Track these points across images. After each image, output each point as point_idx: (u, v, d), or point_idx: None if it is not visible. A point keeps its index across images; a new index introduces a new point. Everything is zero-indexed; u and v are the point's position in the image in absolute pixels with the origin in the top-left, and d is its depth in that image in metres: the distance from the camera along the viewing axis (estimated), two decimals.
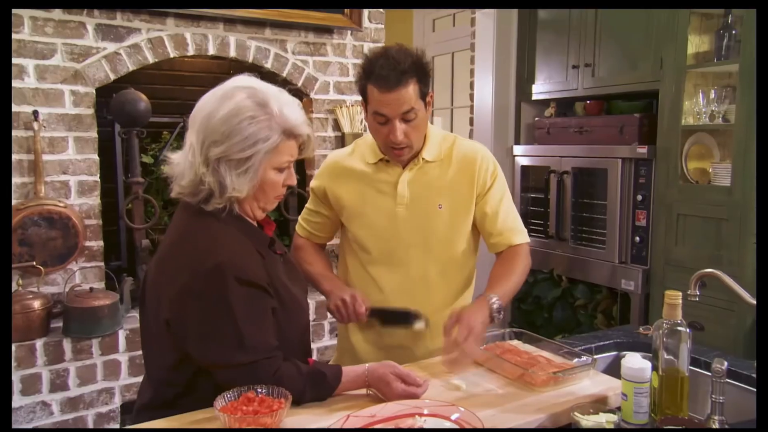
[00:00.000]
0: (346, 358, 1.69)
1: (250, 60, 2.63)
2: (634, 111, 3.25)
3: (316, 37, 2.76)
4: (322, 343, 2.70)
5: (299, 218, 1.74)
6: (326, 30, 2.76)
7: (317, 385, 1.25)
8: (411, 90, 1.44)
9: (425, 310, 1.60)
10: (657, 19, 2.93)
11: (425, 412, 1.14)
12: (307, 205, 1.72)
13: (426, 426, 1.11)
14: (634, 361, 1.22)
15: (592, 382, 1.37)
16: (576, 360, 1.44)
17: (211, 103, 1.20)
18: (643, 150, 3.03)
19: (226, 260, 1.16)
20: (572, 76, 3.46)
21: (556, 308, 3.47)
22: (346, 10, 2.72)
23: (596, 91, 3.36)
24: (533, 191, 3.72)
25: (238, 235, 1.22)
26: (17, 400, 2.19)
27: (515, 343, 1.58)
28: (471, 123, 3.99)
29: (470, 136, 3.99)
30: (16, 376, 2.17)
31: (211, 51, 2.54)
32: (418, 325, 1.53)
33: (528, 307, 3.62)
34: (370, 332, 1.66)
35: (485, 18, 3.79)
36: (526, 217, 3.74)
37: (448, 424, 1.11)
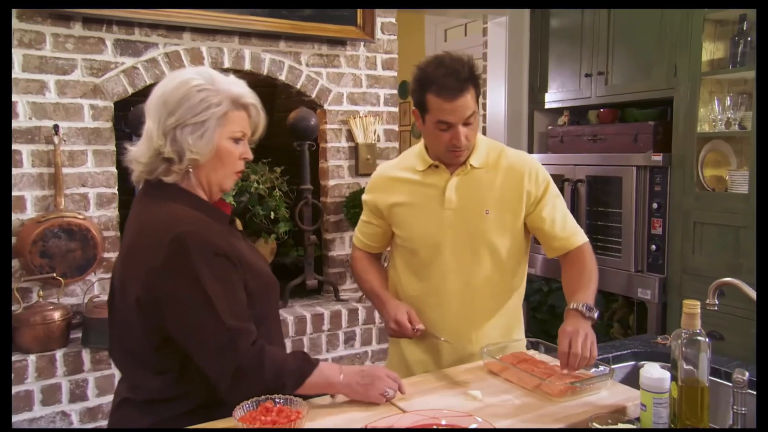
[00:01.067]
0: (395, 362, 1.76)
1: (265, 72, 2.66)
2: (649, 119, 3.24)
3: (329, 49, 2.79)
4: (337, 353, 2.71)
5: (355, 230, 1.82)
6: (339, 42, 2.79)
7: (299, 359, 1.28)
8: (470, 96, 1.50)
9: (470, 314, 1.64)
10: (670, 26, 2.93)
11: (443, 422, 1.14)
12: (361, 217, 1.79)
13: None
14: (653, 371, 1.22)
15: (609, 393, 1.36)
16: (593, 370, 1.43)
17: (161, 87, 1.26)
18: (658, 158, 3.01)
19: (185, 231, 1.19)
20: (585, 84, 3.46)
21: None
22: (359, 22, 2.75)
23: (610, 99, 3.36)
24: None
25: (195, 212, 1.25)
26: (38, 411, 2.22)
27: (531, 353, 1.58)
28: (484, 132, 3.99)
29: None
30: (36, 387, 2.20)
31: (227, 64, 2.58)
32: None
33: (543, 317, 3.60)
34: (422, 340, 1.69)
35: (497, 27, 3.80)
36: None
37: None
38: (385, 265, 1.82)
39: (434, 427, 1.11)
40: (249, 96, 1.29)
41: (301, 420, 1.13)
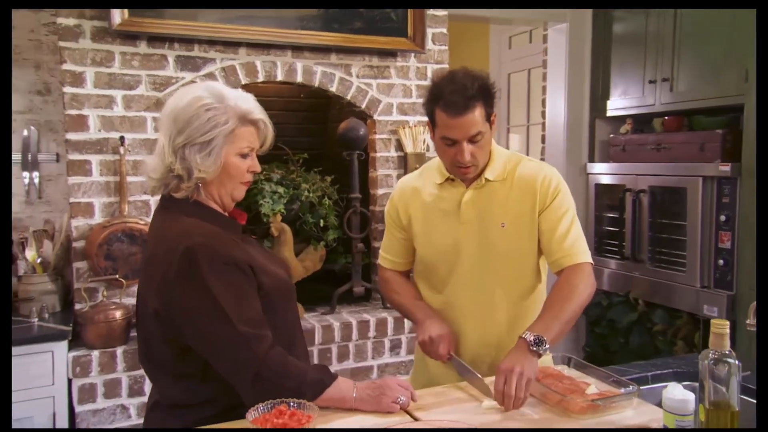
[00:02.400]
0: (419, 371, 1.77)
1: (316, 84, 2.74)
2: (717, 126, 3.07)
3: (380, 60, 2.83)
4: (383, 360, 2.73)
5: (380, 252, 1.81)
6: (390, 54, 2.83)
7: (319, 371, 1.31)
8: (477, 114, 1.48)
9: (489, 328, 1.62)
10: (741, 29, 2.78)
11: None
12: (384, 235, 1.79)
13: None
14: (676, 392, 1.17)
15: (635, 412, 1.31)
16: (622, 390, 1.38)
17: (173, 103, 1.32)
18: (726, 168, 2.86)
19: (195, 243, 1.24)
20: (649, 91, 3.32)
21: (632, 333, 3.32)
22: (410, 33, 2.77)
23: (675, 107, 3.22)
24: (608, 210, 3.59)
25: (207, 224, 1.30)
26: (100, 403, 2.38)
27: (560, 368, 1.54)
28: (543, 140, 3.92)
29: (542, 154, 3.91)
30: (99, 380, 2.36)
31: (280, 77, 2.67)
32: (486, 403, 1.38)
33: (602, 331, 3.47)
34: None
35: (557, 34, 3.72)
36: (601, 237, 3.61)
37: None
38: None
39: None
40: (257, 112, 1.34)
41: (309, 423, 1.16)
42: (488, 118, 1.52)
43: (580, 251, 1.57)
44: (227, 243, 1.29)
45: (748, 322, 1.35)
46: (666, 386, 1.20)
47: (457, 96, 1.46)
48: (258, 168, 1.38)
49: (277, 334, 1.31)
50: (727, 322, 1.16)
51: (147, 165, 1.35)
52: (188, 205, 1.33)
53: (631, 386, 1.38)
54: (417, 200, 1.68)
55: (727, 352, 1.15)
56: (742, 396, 1.26)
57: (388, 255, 1.77)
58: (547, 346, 1.38)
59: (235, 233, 1.36)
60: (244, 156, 1.34)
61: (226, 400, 1.30)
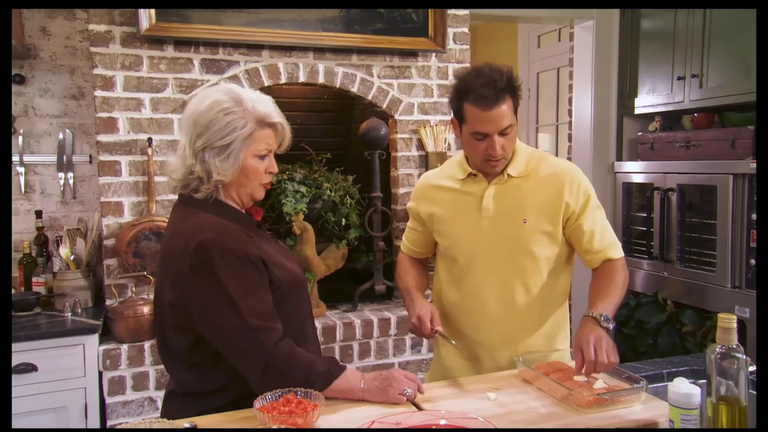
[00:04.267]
0: (435, 366, 1.80)
1: (338, 85, 2.78)
2: (749, 123, 3.00)
3: (401, 60, 2.86)
4: (404, 358, 2.75)
5: (403, 235, 1.88)
6: (411, 54, 2.85)
7: (328, 362, 1.33)
8: (507, 106, 1.51)
9: (509, 322, 1.64)
10: None
11: (441, 423, 1.15)
12: (407, 223, 1.85)
13: None
14: (681, 386, 1.16)
15: (643, 407, 1.30)
16: (635, 386, 1.37)
17: (193, 106, 1.35)
18: None
19: (208, 237, 1.28)
20: (678, 87, 3.26)
21: (661, 334, 3.25)
22: (431, 33, 2.79)
23: (705, 103, 3.15)
24: (636, 209, 3.53)
25: (221, 219, 1.34)
26: (129, 395, 2.46)
27: (573, 363, 1.53)
28: (569, 139, 3.88)
29: (569, 153, 3.87)
30: (128, 373, 2.44)
31: (302, 78, 2.72)
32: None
33: (631, 332, 3.41)
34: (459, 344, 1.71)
35: (584, 32, 3.69)
36: (629, 236, 3.56)
37: None
38: (431, 273, 1.85)
39: (433, 427, 1.13)
40: (275, 115, 1.37)
41: (314, 412, 1.19)
42: (515, 110, 1.55)
43: (617, 245, 1.65)
44: (240, 238, 1.32)
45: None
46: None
47: (488, 89, 1.48)
48: (275, 169, 1.41)
49: (289, 326, 1.34)
50: (734, 317, 1.14)
51: (169, 165, 1.40)
52: (205, 201, 1.36)
53: (643, 382, 1.36)
54: (437, 197, 1.71)
55: (734, 347, 1.13)
56: (753, 391, 1.23)
57: (407, 242, 1.85)
58: (614, 323, 1.45)
59: (249, 228, 1.39)
60: (261, 158, 1.37)
61: (239, 389, 1.34)
